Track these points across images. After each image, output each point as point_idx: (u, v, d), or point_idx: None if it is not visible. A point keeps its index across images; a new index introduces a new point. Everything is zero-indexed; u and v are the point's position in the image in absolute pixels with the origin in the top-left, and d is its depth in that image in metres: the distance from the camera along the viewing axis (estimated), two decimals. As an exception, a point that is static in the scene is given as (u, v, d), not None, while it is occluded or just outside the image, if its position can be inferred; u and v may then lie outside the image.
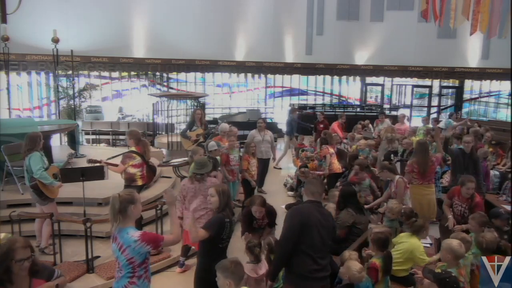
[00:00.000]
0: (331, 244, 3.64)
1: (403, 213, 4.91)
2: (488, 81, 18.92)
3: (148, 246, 3.04)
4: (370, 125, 11.77)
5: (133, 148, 5.62)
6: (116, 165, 5.50)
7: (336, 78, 18.72)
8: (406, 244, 4.21)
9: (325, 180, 7.51)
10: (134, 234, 3.06)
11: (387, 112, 16.48)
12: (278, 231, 4.61)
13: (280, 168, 9.50)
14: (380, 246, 3.81)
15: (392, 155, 7.52)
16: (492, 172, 7.27)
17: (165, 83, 17.27)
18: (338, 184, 7.21)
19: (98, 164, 5.41)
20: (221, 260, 2.90)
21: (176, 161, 7.93)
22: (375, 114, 15.15)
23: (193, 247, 5.10)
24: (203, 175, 4.87)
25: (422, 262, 4.12)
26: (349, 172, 7.18)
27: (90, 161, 5.40)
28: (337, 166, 7.48)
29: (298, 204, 6.47)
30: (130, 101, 16.89)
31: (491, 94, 19.21)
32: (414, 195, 5.80)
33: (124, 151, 5.89)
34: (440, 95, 19.23)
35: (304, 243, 3.32)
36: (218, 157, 6.45)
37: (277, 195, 8.38)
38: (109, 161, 5.56)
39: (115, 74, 16.65)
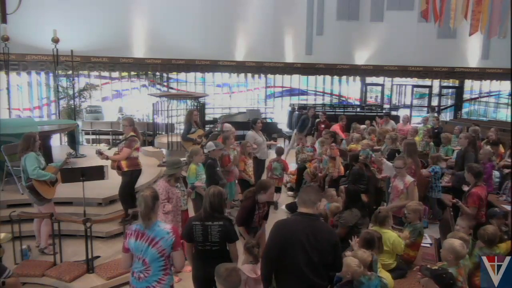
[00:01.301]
0: (328, 261, 3.19)
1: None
2: (488, 81, 18.93)
3: (175, 239, 3.17)
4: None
5: (132, 133, 5.93)
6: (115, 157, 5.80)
7: (336, 78, 18.72)
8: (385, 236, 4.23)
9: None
10: (166, 226, 3.24)
11: (386, 111, 16.47)
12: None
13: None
14: (365, 245, 3.80)
15: (396, 154, 7.52)
16: (492, 173, 7.24)
17: (165, 83, 17.26)
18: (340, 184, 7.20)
19: (101, 158, 5.69)
20: (220, 264, 2.87)
21: (176, 161, 7.90)
22: (375, 114, 15.12)
23: None
24: (171, 176, 4.90)
25: (402, 250, 4.24)
26: (349, 172, 7.17)
27: (98, 152, 5.72)
28: (342, 167, 7.46)
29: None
30: (130, 101, 16.89)
31: (491, 94, 19.22)
32: None
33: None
34: (440, 95, 19.22)
35: (288, 260, 3.06)
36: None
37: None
38: (105, 152, 5.86)
39: (115, 74, 16.64)
